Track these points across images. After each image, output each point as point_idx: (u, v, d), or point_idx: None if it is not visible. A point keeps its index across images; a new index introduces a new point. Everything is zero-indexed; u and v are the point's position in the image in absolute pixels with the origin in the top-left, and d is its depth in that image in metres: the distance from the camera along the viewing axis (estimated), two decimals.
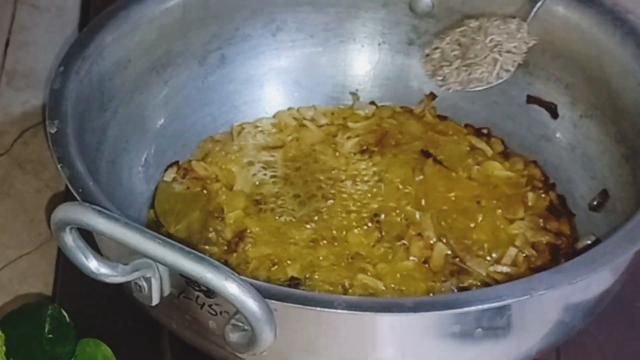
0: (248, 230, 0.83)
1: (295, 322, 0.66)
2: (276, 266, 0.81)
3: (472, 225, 0.84)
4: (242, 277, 0.62)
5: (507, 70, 0.88)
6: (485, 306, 0.65)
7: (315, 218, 0.84)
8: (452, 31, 0.90)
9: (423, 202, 0.85)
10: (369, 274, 0.80)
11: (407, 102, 0.94)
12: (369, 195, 0.86)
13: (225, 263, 0.78)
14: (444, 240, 0.83)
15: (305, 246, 0.82)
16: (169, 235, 0.80)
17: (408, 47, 0.94)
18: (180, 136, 0.90)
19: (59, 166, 0.73)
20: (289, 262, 0.81)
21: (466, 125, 0.92)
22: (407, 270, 0.81)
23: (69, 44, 0.83)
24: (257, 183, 0.87)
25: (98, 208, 0.64)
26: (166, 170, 0.88)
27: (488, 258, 0.82)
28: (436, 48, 0.90)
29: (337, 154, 0.90)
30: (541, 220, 0.85)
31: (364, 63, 0.95)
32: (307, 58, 0.94)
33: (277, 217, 0.84)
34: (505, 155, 0.90)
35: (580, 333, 0.75)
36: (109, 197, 0.72)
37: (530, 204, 0.86)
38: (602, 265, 0.68)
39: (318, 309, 0.64)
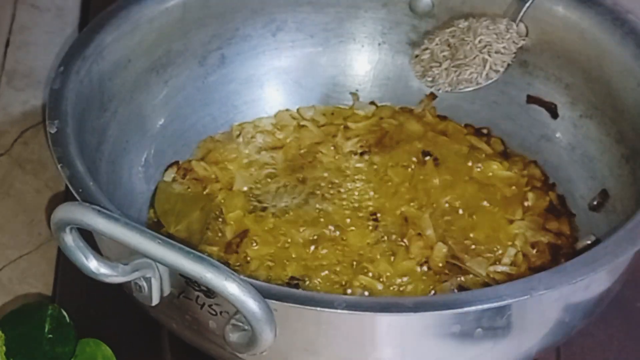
0: (248, 231, 0.83)
1: (295, 322, 0.66)
2: (276, 266, 0.81)
3: (472, 225, 0.84)
4: (242, 277, 0.62)
5: (497, 71, 0.88)
6: (485, 306, 0.65)
7: (315, 218, 0.84)
8: (441, 32, 0.90)
9: (423, 202, 0.85)
10: (368, 274, 0.80)
11: (407, 102, 0.94)
12: (369, 195, 0.86)
13: (225, 263, 0.78)
14: (444, 240, 0.83)
15: (305, 246, 0.82)
16: (169, 235, 0.80)
17: (408, 47, 0.94)
18: (180, 136, 0.90)
19: (59, 166, 0.73)
20: (289, 262, 0.81)
21: (466, 125, 0.92)
22: (407, 270, 0.81)
23: (69, 44, 0.83)
24: (257, 183, 0.87)
25: (98, 208, 0.64)
26: (166, 170, 0.88)
27: (488, 258, 0.82)
28: (425, 49, 0.91)
29: (337, 154, 0.90)
30: (541, 220, 0.85)
31: (364, 63, 0.95)
32: (307, 58, 0.94)
33: (277, 217, 0.84)
34: (505, 155, 0.90)
35: (580, 333, 0.75)
36: (109, 197, 0.72)
37: (530, 204, 0.86)
38: (602, 265, 0.68)
39: (318, 309, 0.64)
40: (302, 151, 0.90)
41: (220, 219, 0.84)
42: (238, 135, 0.91)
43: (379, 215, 0.85)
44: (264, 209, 0.85)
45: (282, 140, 0.91)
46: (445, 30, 0.90)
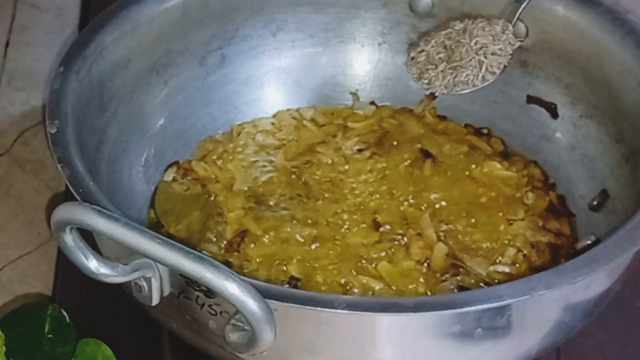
0: (248, 230, 0.83)
1: (295, 322, 0.66)
2: (276, 266, 0.81)
3: (472, 225, 0.84)
4: (242, 277, 0.62)
5: (493, 73, 0.88)
6: (485, 306, 0.65)
7: (315, 218, 0.84)
8: (437, 33, 0.90)
9: (423, 202, 0.85)
10: (369, 274, 0.80)
11: (407, 102, 0.94)
12: (369, 195, 0.86)
13: (226, 263, 0.78)
14: (444, 240, 0.83)
15: (305, 246, 0.82)
16: (169, 235, 0.80)
17: (408, 47, 0.94)
18: (180, 136, 0.90)
19: (59, 166, 0.73)
20: (289, 262, 0.81)
21: (466, 125, 0.92)
22: (407, 270, 0.81)
23: (69, 44, 0.83)
24: (257, 183, 0.87)
25: (98, 208, 0.64)
26: (166, 170, 0.88)
27: (488, 258, 0.82)
28: (421, 51, 0.91)
29: (337, 154, 0.90)
30: (541, 220, 0.85)
31: (364, 63, 0.95)
32: (307, 58, 0.94)
33: (277, 217, 0.84)
34: (505, 155, 0.90)
35: (580, 333, 0.75)
36: (109, 197, 0.72)
37: (530, 203, 0.86)
38: (602, 265, 0.68)
39: (318, 309, 0.64)
40: (302, 151, 0.90)
41: (220, 219, 0.84)
42: (238, 135, 0.91)
43: (379, 215, 0.85)
44: (264, 209, 0.85)
45: (282, 140, 0.91)
46: (441, 32, 0.90)
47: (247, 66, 0.93)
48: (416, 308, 0.64)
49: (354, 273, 0.80)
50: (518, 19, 0.88)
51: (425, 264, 0.81)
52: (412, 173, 0.87)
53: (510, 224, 0.84)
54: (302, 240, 0.83)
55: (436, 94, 0.90)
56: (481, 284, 0.80)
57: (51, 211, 0.65)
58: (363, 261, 0.81)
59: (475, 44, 0.88)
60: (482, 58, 0.87)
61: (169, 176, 0.88)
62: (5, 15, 1.08)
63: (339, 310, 0.64)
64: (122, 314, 0.81)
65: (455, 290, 0.80)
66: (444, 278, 0.80)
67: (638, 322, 0.84)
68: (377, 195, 0.86)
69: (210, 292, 0.66)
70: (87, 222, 0.64)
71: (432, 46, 0.90)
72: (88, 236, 0.67)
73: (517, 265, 0.82)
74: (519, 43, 0.88)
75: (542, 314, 0.70)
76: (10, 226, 0.89)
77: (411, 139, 0.90)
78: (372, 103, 0.94)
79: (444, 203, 0.85)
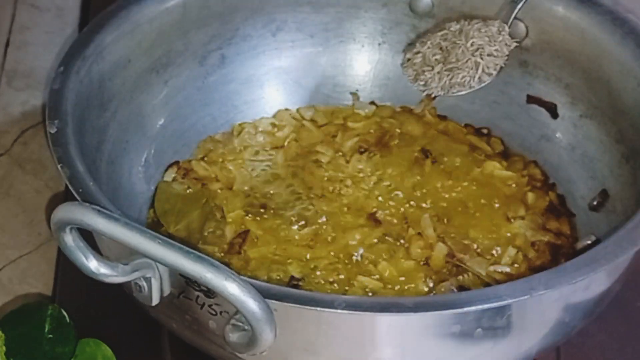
0: (249, 231, 0.83)
1: (295, 322, 0.66)
2: (276, 266, 0.81)
3: (472, 225, 0.84)
4: (242, 277, 0.62)
5: (489, 74, 0.88)
6: (485, 306, 0.65)
7: (315, 218, 0.84)
8: (433, 35, 0.90)
9: (423, 202, 0.85)
10: (368, 274, 0.80)
11: (407, 102, 0.94)
12: (369, 195, 0.86)
13: (226, 263, 0.78)
14: (444, 240, 0.83)
15: (305, 246, 0.82)
16: (169, 235, 0.80)
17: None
18: (180, 136, 0.90)
19: (59, 166, 0.73)
20: (289, 262, 0.81)
21: (466, 125, 0.92)
22: (407, 270, 0.81)
23: (69, 44, 0.83)
24: (257, 183, 0.87)
25: (98, 208, 0.64)
26: (166, 170, 0.88)
27: (488, 258, 0.82)
28: (417, 52, 0.90)
29: (337, 154, 0.90)
30: (541, 220, 0.85)
31: (364, 63, 0.95)
32: (307, 58, 0.94)
33: (277, 217, 0.84)
34: (505, 155, 0.90)
35: (580, 333, 0.75)
36: (109, 197, 0.72)
37: (530, 203, 0.86)
38: (602, 265, 0.68)
39: (318, 309, 0.64)
40: (302, 151, 0.90)
41: (220, 219, 0.84)
42: (238, 135, 0.91)
43: (379, 215, 0.85)
44: (264, 209, 0.85)
45: (282, 140, 0.91)
46: (437, 34, 0.90)
47: (247, 66, 0.93)
48: (416, 308, 0.64)
49: (354, 273, 0.80)
50: (516, 18, 0.88)
51: (425, 264, 0.81)
52: (412, 173, 0.87)
53: (510, 224, 0.84)
54: (302, 240, 0.83)
55: (432, 96, 0.90)
56: (481, 284, 0.80)
57: (51, 211, 0.65)
58: (363, 261, 0.81)
59: (472, 45, 0.88)
60: (479, 59, 0.87)
61: (169, 176, 0.88)
62: (5, 15, 1.08)
63: (339, 310, 0.64)
64: (122, 314, 0.81)
65: (455, 290, 0.80)
66: (444, 278, 0.80)
67: (638, 322, 0.84)
68: (377, 195, 0.86)
69: (210, 292, 0.66)
70: (87, 222, 0.64)
71: (428, 47, 0.90)
72: (88, 236, 0.67)
73: (517, 265, 0.82)
74: (515, 44, 0.88)
75: (542, 314, 0.70)
76: (10, 226, 0.89)
77: (411, 139, 0.91)
78: (372, 103, 0.94)
79: (444, 203, 0.85)
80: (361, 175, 0.88)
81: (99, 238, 0.73)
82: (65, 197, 0.91)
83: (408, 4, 0.93)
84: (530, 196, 0.87)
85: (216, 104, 0.92)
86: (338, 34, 0.95)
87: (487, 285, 0.80)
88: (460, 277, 0.81)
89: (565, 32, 0.87)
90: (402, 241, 0.83)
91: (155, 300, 0.67)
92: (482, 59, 0.87)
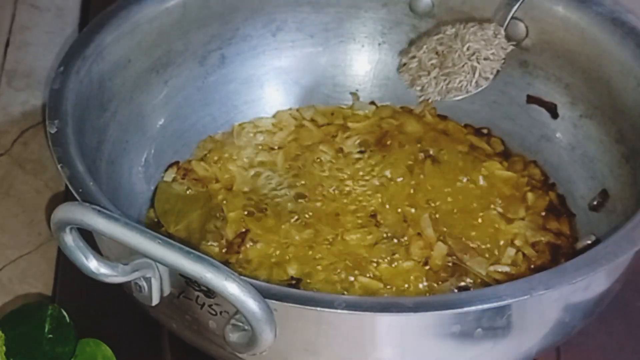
0: (249, 231, 0.83)
1: (295, 322, 0.66)
2: (276, 266, 0.81)
3: (472, 225, 0.84)
4: (242, 277, 0.62)
5: (486, 78, 0.88)
6: (485, 306, 0.65)
7: (315, 218, 0.84)
8: (428, 39, 0.90)
9: (423, 202, 0.85)
10: (368, 274, 0.80)
11: (407, 102, 0.94)
12: (369, 195, 0.86)
13: (226, 263, 0.78)
14: (444, 240, 0.83)
15: (305, 246, 0.82)
16: (169, 235, 0.80)
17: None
18: (180, 136, 0.90)
19: (59, 166, 0.73)
20: (289, 262, 0.81)
21: (466, 125, 0.92)
22: (407, 271, 0.81)
23: (69, 44, 0.83)
24: (257, 183, 0.87)
25: (98, 208, 0.64)
26: (166, 170, 0.88)
27: (488, 258, 0.82)
28: (413, 57, 0.90)
29: (337, 154, 0.90)
30: (541, 220, 0.85)
31: (364, 63, 0.95)
32: (307, 58, 0.94)
33: (277, 217, 0.84)
34: (505, 155, 0.90)
35: (580, 333, 0.75)
36: (109, 197, 0.72)
37: (530, 203, 0.86)
38: (602, 265, 0.68)
39: (318, 309, 0.64)
40: (302, 151, 0.90)
41: (220, 219, 0.84)
42: (238, 135, 0.91)
43: (379, 215, 0.85)
44: (264, 209, 0.85)
45: (282, 140, 0.91)
46: (432, 37, 0.90)
47: (247, 66, 0.93)
48: (416, 308, 0.64)
49: (354, 273, 0.80)
50: (515, 19, 0.88)
51: (425, 264, 0.81)
52: (412, 173, 0.87)
53: (510, 224, 0.84)
54: (302, 240, 0.83)
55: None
56: (481, 284, 0.80)
57: (51, 211, 0.65)
58: (363, 261, 0.81)
59: (468, 49, 0.87)
60: (475, 63, 0.87)
61: (169, 176, 0.88)
62: (5, 15, 1.08)
63: (339, 310, 0.64)
64: (122, 314, 0.81)
65: (455, 290, 0.80)
66: (444, 278, 0.80)
67: (638, 322, 0.84)
68: (377, 195, 0.86)
69: (210, 292, 0.66)
70: (87, 222, 0.64)
71: (424, 52, 0.89)
72: (88, 236, 0.67)
73: (517, 265, 0.82)
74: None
75: (542, 314, 0.70)
76: (10, 226, 0.89)
77: (411, 139, 0.90)
78: (372, 103, 0.94)
79: (444, 203, 0.85)
80: (361, 175, 0.88)
81: (99, 238, 0.73)
82: (65, 197, 0.91)
83: (408, 4, 0.93)
84: (530, 196, 0.87)
85: (216, 104, 0.92)
86: (338, 34, 0.95)
87: (487, 285, 0.80)
88: (460, 277, 0.81)
89: (565, 32, 0.87)
90: (402, 241, 0.83)
91: (155, 300, 0.67)
92: (478, 63, 0.87)
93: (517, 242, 0.83)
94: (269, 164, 0.89)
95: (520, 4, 0.87)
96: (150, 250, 0.63)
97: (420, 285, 0.80)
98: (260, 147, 0.90)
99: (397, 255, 0.82)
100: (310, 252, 0.82)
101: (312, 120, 0.93)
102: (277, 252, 0.82)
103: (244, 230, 0.83)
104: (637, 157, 0.81)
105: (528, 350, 0.72)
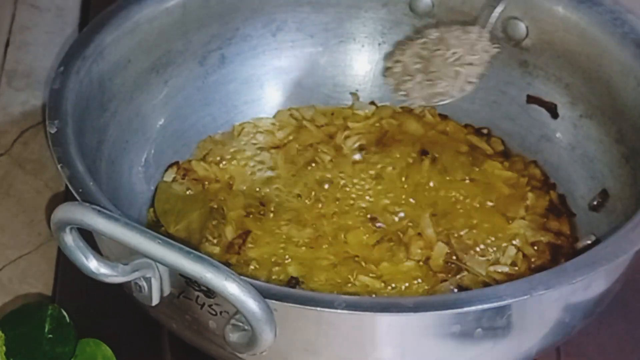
0: (250, 231, 0.83)
1: (295, 322, 0.66)
2: (276, 266, 0.81)
3: (472, 225, 0.84)
4: (242, 277, 0.62)
5: (471, 82, 0.87)
6: (485, 306, 0.65)
7: (315, 218, 0.84)
8: (412, 43, 0.90)
9: (423, 201, 0.85)
10: (369, 274, 0.80)
11: None
12: (369, 195, 0.86)
13: (226, 263, 0.78)
14: (444, 240, 0.83)
15: (305, 246, 0.82)
16: (169, 235, 0.80)
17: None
18: (180, 136, 0.90)
19: (59, 166, 0.73)
20: (289, 262, 0.81)
21: (466, 125, 0.92)
22: (407, 270, 0.81)
23: (69, 44, 0.83)
24: (257, 183, 0.87)
25: (98, 208, 0.64)
26: (166, 170, 0.88)
27: (488, 258, 0.82)
28: (397, 61, 0.90)
29: (337, 154, 0.90)
30: (541, 220, 0.85)
31: (364, 63, 0.95)
32: (307, 58, 0.94)
33: (277, 217, 0.84)
34: (505, 155, 0.90)
35: (580, 333, 0.75)
36: (109, 197, 0.72)
37: (530, 203, 0.86)
38: (602, 265, 0.68)
39: (318, 309, 0.64)
40: (302, 151, 0.90)
41: (220, 219, 0.84)
42: (238, 135, 0.91)
43: (379, 215, 0.85)
44: (264, 209, 0.85)
45: (282, 140, 0.91)
46: (416, 42, 0.90)
47: (247, 66, 0.93)
48: (416, 308, 0.64)
49: (354, 273, 0.80)
50: (515, 18, 0.88)
51: (425, 264, 0.81)
52: (412, 173, 0.87)
53: (510, 224, 0.84)
54: (302, 240, 0.83)
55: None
56: (481, 284, 0.80)
57: (51, 211, 0.65)
58: (363, 261, 0.81)
59: (452, 54, 0.87)
60: (459, 68, 0.87)
61: (169, 176, 0.88)
62: (5, 15, 1.08)
63: (339, 310, 0.64)
64: (122, 314, 0.81)
65: (455, 290, 0.80)
66: (444, 278, 0.80)
67: (638, 322, 0.84)
68: (377, 195, 0.86)
69: (210, 292, 0.66)
70: (87, 222, 0.64)
71: (408, 56, 0.89)
72: (88, 236, 0.67)
73: (517, 265, 0.82)
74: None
75: (542, 314, 0.70)
76: (10, 226, 0.89)
77: (411, 139, 0.90)
78: (372, 103, 0.94)
79: (444, 203, 0.85)
80: (361, 175, 0.88)
81: (99, 238, 0.73)
82: (65, 197, 0.91)
83: (408, 4, 0.93)
84: (531, 196, 0.87)
85: (216, 104, 0.92)
86: (338, 34, 0.94)
87: (487, 285, 0.80)
88: (460, 277, 0.81)
89: (565, 32, 0.87)
90: (402, 241, 0.83)
91: (155, 300, 0.67)
92: (462, 67, 0.87)
93: (517, 242, 0.83)
94: (269, 164, 0.89)
95: (504, 8, 0.87)
96: (150, 250, 0.63)
97: (421, 285, 0.80)
98: (260, 147, 0.90)
99: (397, 256, 0.82)
100: (310, 252, 0.82)
101: (312, 120, 0.93)
102: (277, 252, 0.82)
103: (244, 230, 0.83)
104: (637, 157, 0.81)
105: (528, 350, 0.72)
